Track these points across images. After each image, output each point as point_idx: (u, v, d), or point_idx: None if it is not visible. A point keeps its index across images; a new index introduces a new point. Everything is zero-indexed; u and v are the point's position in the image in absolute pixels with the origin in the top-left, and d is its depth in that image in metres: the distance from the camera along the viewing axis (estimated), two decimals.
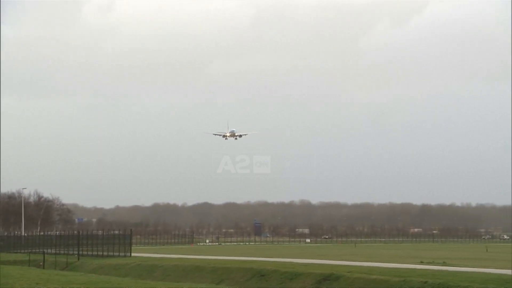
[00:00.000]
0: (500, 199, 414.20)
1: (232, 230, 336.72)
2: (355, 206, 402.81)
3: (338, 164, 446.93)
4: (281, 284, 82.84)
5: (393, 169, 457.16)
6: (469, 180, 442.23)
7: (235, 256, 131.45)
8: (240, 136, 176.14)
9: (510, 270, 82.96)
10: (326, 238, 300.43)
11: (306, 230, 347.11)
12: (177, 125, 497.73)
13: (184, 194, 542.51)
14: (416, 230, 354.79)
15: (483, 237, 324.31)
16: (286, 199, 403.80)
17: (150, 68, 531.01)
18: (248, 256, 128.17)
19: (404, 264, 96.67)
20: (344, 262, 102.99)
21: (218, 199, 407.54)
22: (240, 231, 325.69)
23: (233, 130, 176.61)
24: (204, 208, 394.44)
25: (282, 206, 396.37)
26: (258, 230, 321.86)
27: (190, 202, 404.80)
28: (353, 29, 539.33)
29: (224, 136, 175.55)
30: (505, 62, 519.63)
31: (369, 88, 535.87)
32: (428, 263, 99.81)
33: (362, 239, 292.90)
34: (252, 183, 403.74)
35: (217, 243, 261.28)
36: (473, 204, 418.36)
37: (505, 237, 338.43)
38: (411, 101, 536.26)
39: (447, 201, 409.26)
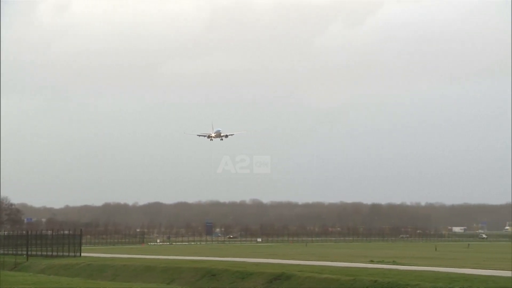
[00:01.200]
0: (449, 198, 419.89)
1: (183, 230, 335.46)
2: (307, 206, 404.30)
3: (291, 164, 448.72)
4: (232, 284, 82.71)
5: (344, 169, 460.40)
6: (418, 180, 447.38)
7: (186, 256, 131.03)
8: (226, 136, 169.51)
9: (459, 269, 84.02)
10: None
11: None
12: (129, 125, 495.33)
13: (135, 194, 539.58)
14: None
15: (401, 236, 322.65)
16: (237, 199, 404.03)
17: (104, 68, 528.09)
18: (199, 256, 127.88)
19: (355, 263, 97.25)
20: (295, 261, 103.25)
21: (169, 199, 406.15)
22: (191, 230, 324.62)
23: (219, 130, 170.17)
24: (155, 208, 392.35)
25: (233, 206, 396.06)
26: (209, 229, 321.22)
27: (141, 202, 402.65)
28: (309, 30, 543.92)
29: (209, 137, 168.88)
30: (455, 63, 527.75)
31: (322, 90, 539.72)
32: (378, 262, 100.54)
33: (314, 238, 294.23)
34: (203, 183, 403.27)
35: (168, 243, 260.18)
36: (423, 203, 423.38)
37: (484, 236, 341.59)
38: (362, 103, 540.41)
39: (397, 201, 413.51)
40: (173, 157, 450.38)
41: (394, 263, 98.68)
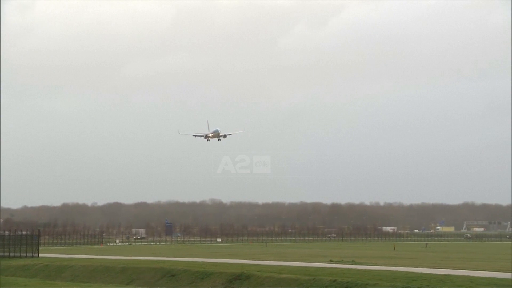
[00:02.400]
0: (407, 198, 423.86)
1: (142, 230, 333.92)
2: (267, 206, 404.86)
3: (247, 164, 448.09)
4: (191, 284, 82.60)
5: (304, 169, 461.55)
6: (377, 180, 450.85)
7: (145, 256, 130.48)
8: (225, 136, 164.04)
9: (417, 268, 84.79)
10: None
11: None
12: (88, 125, 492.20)
13: (94, 194, 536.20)
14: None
15: (328, 235, 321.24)
16: (197, 199, 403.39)
17: (63, 68, 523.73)
18: (158, 256, 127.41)
19: (314, 263, 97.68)
20: (255, 261, 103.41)
21: (128, 199, 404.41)
22: (151, 231, 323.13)
23: (217, 130, 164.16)
24: (114, 208, 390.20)
25: (193, 206, 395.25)
26: (169, 230, 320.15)
27: (100, 202, 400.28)
28: (272, 30, 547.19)
29: (206, 137, 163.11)
30: (416, 64, 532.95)
31: (284, 90, 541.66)
32: (338, 262, 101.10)
33: (273, 238, 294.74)
34: (164, 183, 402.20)
35: (127, 243, 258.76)
36: (382, 203, 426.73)
37: (469, 235, 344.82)
38: (324, 103, 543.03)
39: (356, 200, 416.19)
40: (132, 158, 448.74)
41: (353, 262, 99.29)
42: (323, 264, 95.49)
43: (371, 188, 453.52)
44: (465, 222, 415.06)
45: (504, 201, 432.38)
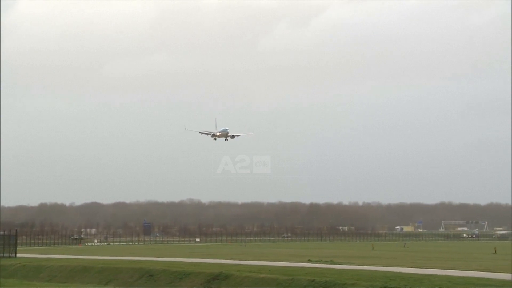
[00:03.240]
0: (385, 198, 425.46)
1: (121, 230, 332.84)
2: (245, 206, 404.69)
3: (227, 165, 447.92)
4: (170, 284, 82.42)
5: (282, 169, 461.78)
6: (356, 180, 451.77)
7: (124, 256, 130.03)
8: (233, 137, 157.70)
9: (395, 268, 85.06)
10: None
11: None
12: (67, 125, 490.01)
13: (73, 194, 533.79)
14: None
15: (283, 235, 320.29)
16: (176, 199, 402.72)
17: (44, 68, 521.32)
18: (137, 256, 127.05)
19: (293, 263, 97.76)
20: (234, 261, 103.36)
21: (107, 199, 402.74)
22: (129, 231, 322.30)
23: (226, 130, 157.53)
24: (92, 208, 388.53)
25: (172, 206, 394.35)
26: (147, 230, 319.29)
27: (78, 202, 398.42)
28: (253, 31, 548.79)
29: (213, 135, 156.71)
30: (397, 65, 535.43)
31: (265, 91, 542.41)
32: (316, 262, 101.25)
33: (252, 238, 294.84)
34: (143, 183, 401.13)
35: (105, 243, 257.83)
36: (360, 202, 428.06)
37: (465, 235, 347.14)
38: (304, 104, 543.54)
39: (335, 200, 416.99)
40: (110, 157, 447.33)
41: (331, 262, 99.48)
42: (301, 263, 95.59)
43: (350, 188, 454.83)
44: (443, 221, 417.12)
45: (482, 201, 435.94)
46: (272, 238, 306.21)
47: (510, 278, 70.43)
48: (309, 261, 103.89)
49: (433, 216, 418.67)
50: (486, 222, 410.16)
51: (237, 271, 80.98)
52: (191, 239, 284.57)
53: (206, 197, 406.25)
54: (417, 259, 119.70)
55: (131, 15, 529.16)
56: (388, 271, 77.88)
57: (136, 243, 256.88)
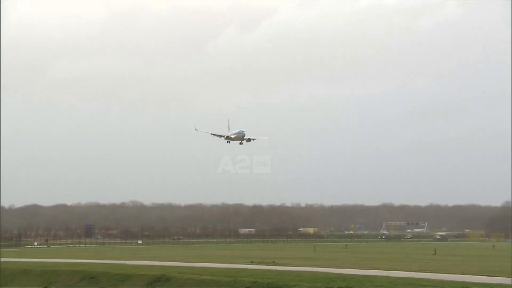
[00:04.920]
0: (328, 199, 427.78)
1: (62, 232, 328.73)
2: (188, 207, 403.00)
3: (171, 165, 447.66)
4: (111, 286, 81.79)
5: (224, 170, 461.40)
6: (298, 181, 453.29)
7: (64, 258, 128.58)
8: (249, 140, 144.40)
9: (337, 269, 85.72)
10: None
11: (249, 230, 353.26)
12: (12, 126, 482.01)
13: (12, 196, 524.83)
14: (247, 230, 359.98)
15: (173, 237, 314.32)
16: (118, 200, 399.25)
17: None
18: (78, 259, 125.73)
19: (235, 264, 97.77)
20: (176, 263, 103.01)
21: (47, 201, 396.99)
22: (70, 233, 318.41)
23: (242, 132, 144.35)
24: (32, 210, 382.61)
25: (113, 208, 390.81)
26: (89, 232, 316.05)
27: (17, 204, 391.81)
28: (202, 34, 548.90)
29: (227, 138, 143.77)
30: (346, 67, 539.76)
31: (212, 94, 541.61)
32: (259, 263, 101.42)
33: (195, 240, 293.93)
34: (84, 185, 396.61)
35: (46, 246, 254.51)
36: (303, 204, 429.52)
37: (438, 236, 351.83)
38: (253, 106, 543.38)
39: (277, 202, 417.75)
40: (51, 158, 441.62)
41: (274, 263, 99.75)
42: (244, 265, 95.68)
43: (293, 190, 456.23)
44: (384, 223, 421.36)
45: (423, 202, 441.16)
46: (215, 240, 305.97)
47: (448, 278, 71.59)
48: (252, 262, 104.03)
49: (374, 218, 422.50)
50: (426, 223, 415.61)
51: (179, 273, 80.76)
52: (133, 241, 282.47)
53: (148, 199, 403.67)
54: (358, 260, 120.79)
55: (81, 16, 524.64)
56: (330, 272, 78.45)
57: (77, 246, 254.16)
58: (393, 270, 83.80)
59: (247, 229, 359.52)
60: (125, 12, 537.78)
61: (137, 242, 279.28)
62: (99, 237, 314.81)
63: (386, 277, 72.44)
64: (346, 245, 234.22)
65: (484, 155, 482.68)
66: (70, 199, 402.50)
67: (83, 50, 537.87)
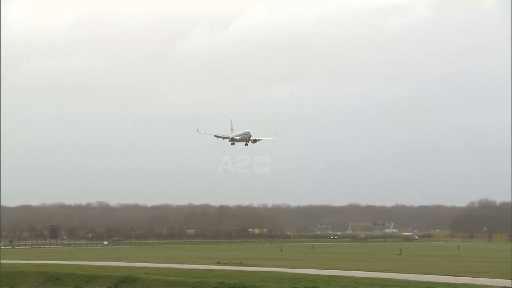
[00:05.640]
0: (294, 200, 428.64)
1: (27, 233, 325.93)
2: (154, 208, 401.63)
3: (137, 166, 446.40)
4: (77, 287, 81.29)
5: (190, 171, 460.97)
6: (265, 181, 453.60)
7: (29, 259, 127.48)
8: (255, 141, 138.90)
9: (303, 269, 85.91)
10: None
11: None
12: None
13: None
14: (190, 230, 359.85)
15: (113, 238, 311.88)
16: (83, 201, 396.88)
17: None
18: (43, 260, 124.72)
19: (202, 265, 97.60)
20: (142, 264, 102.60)
21: (11, 202, 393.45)
22: (35, 234, 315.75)
23: (247, 133, 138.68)
24: None
25: (79, 208, 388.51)
26: (54, 233, 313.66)
27: None
28: (172, 34, 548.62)
29: (231, 140, 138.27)
30: (316, 68, 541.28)
31: (181, 94, 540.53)
32: (225, 264, 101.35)
33: (161, 241, 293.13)
34: (49, 185, 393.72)
35: (10, 247, 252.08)
36: (269, 205, 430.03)
37: (416, 237, 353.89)
38: (220, 107, 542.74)
39: (244, 202, 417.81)
40: (16, 159, 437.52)
41: (240, 264, 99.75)
42: (210, 266, 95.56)
43: (260, 190, 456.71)
44: (350, 223, 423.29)
45: (388, 203, 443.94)
46: (181, 241, 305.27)
47: (414, 278, 72.03)
48: (218, 263, 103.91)
49: (341, 218, 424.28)
50: (392, 223, 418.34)
51: (145, 274, 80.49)
52: (98, 242, 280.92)
53: (114, 199, 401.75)
54: (324, 260, 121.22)
55: (50, 17, 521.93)
56: (296, 273, 78.61)
57: (42, 247, 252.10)
58: (359, 270, 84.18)
59: (191, 230, 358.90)
60: (95, 13, 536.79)
61: (102, 243, 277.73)
62: (64, 238, 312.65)
63: (352, 277, 72.76)
64: (313, 245, 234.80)
65: (450, 156, 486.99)
66: (35, 200, 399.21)
67: (52, 51, 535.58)
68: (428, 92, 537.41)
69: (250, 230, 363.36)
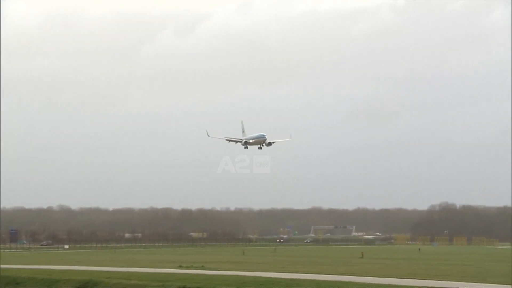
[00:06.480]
0: (257, 203, 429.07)
1: None
2: (116, 212, 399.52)
3: (100, 169, 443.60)
4: None
5: (153, 174, 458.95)
6: (227, 185, 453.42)
7: None
8: (270, 144, 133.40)
9: (265, 273, 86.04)
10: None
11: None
12: None
13: None
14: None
15: (41, 243, 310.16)
16: (44, 205, 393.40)
17: None
18: (3, 264, 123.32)
19: (164, 269, 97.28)
20: (104, 268, 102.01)
21: None
22: None
23: (262, 136, 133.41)
24: None
25: (40, 212, 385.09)
26: (14, 236, 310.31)
27: None
28: (137, 37, 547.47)
29: (244, 143, 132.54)
30: (284, 71, 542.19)
31: (145, 97, 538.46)
32: (187, 267, 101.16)
33: (123, 245, 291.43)
34: (9, 188, 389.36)
35: None
36: (232, 208, 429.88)
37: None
38: (185, 109, 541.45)
39: (207, 206, 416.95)
40: None
41: (202, 268, 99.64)
42: (172, 270, 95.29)
43: (222, 193, 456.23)
44: (312, 226, 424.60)
45: (350, 206, 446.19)
46: (144, 244, 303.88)
47: (375, 281, 72.48)
48: (180, 267, 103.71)
49: (303, 221, 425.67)
50: (354, 226, 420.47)
51: (107, 278, 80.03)
52: (59, 246, 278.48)
53: (76, 203, 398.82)
54: (287, 264, 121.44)
55: (16, 18, 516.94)
56: (258, 276, 78.71)
57: (2, 251, 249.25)
58: (321, 274, 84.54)
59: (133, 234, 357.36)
60: (61, 14, 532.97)
61: (63, 247, 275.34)
62: (24, 242, 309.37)
63: (314, 280, 73.04)
64: (275, 249, 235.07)
65: (411, 160, 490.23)
66: None
67: (18, 52, 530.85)
68: (392, 95, 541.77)
69: (192, 234, 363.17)
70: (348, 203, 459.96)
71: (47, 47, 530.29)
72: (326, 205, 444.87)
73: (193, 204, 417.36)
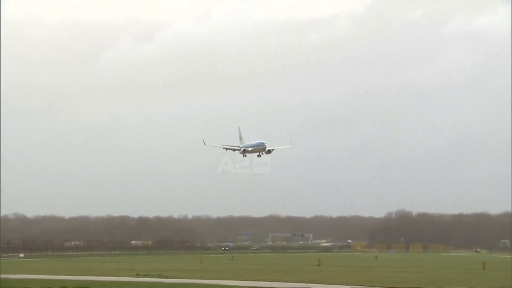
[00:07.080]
0: (214, 211, 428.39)
1: None
2: (72, 220, 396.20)
3: (54, 176, 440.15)
4: None
5: (111, 183, 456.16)
6: (185, 193, 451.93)
7: None
8: (269, 151, 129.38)
9: (223, 281, 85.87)
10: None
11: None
12: None
13: None
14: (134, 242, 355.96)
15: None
16: None
17: None
18: None
19: (121, 277, 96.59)
20: (59, 276, 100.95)
21: None
22: None
23: (262, 143, 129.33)
24: None
25: None
26: None
27: None
28: (95, 45, 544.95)
29: (243, 152, 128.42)
30: (239, 79, 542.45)
31: (98, 105, 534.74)
32: (144, 276, 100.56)
33: (79, 253, 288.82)
34: None
35: None
36: (190, 216, 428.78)
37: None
38: (145, 119, 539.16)
39: (165, 214, 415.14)
40: None
41: (159, 276, 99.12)
42: (129, 278, 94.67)
43: (179, 201, 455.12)
44: (270, 234, 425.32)
45: (308, 214, 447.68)
46: (100, 253, 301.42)
47: None
48: (137, 275, 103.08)
49: (261, 229, 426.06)
50: (312, 234, 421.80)
51: (62, 287, 79.16)
52: (14, 254, 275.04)
53: (31, 211, 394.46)
54: (244, 271, 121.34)
55: None
56: (216, 284, 78.56)
57: None
58: (279, 281, 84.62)
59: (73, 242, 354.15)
60: (18, 22, 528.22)
61: (18, 255, 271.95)
62: None
63: None
64: (233, 256, 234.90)
65: (368, 168, 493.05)
66: None
67: None
68: (349, 104, 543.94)
69: (133, 242, 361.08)
70: (306, 210, 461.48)
71: (3, 54, 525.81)
72: (283, 213, 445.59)
73: (151, 212, 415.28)
